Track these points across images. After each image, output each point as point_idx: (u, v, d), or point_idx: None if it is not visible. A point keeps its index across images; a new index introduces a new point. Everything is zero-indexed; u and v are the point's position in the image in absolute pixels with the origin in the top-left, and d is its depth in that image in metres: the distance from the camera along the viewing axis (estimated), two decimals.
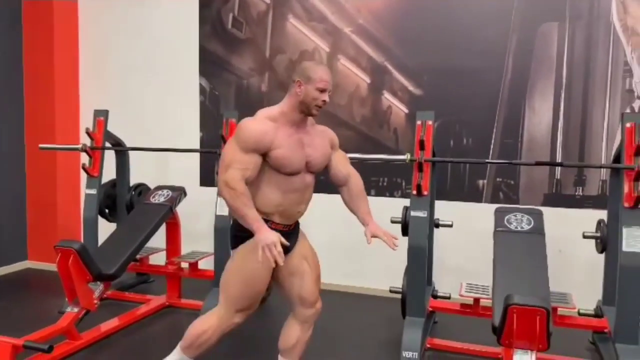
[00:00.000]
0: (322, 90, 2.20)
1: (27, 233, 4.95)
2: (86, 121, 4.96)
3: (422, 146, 3.07)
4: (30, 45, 4.79)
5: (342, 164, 2.46)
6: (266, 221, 2.18)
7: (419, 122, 3.13)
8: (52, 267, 4.83)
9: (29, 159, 4.89)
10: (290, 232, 2.32)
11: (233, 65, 4.60)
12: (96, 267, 3.06)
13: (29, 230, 4.95)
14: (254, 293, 2.29)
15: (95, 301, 3.13)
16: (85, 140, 4.74)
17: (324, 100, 2.22)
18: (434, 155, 3.15)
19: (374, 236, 2.36)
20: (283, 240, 2.08)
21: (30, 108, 4.84)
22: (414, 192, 3.10)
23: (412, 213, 3.08)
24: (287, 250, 2.24)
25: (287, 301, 2.44)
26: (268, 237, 2.05)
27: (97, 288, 3.17)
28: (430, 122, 3.11)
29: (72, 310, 3.05)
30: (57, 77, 4.79)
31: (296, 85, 2.21)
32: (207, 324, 2.33)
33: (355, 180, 2.48)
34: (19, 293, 4.29)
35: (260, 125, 2.18)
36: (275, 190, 2.21)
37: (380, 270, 4.22)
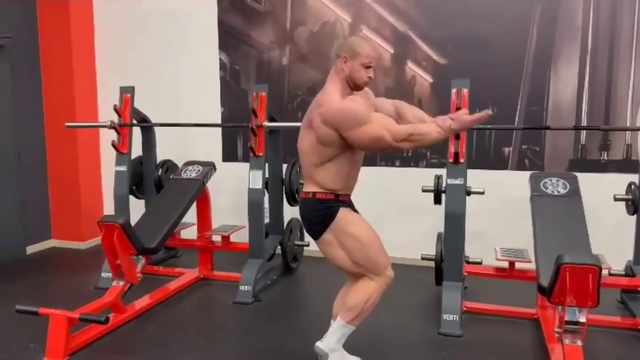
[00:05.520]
0: (368, 67, 2.24)
1: (51, 212, 4.96)
2: (104, 99, 4.94)
3: None
4: (46, 24, 4.71)
5: (386, 104, 2.51)
6: (337, 196, 2.27)
7: (454, 90, 3.17)
8: (77, 245, 4.90)
9: (48, 139, 4.86)
10: (351, 202, 2.41)
11: (253, 39, 4.57)
12: (139, 242, 3.10)
13: (52, 209, 4.96)
14: (380, 241, 2.38)
15: (138, 275, 3.17)
16: (103, 117, 4.76)
17: (369, 77, 2.26)
18: None
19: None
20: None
21: (48, 87, 4.79)
22: (451, 160, 3.15)
23: (449, 181, 3.13)
24: None
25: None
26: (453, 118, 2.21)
27: (139, 262, 3.21)
28: (465, 90, 3.15)
29: (117, 284, 3.11)
30: (75, 54, 4.73)
31: (342, 61, 2.24)
32: (369, 290, 2.34)
33: (403, 105, 2.51)
34: (47, 271, 4.31)
35: (353, 98, 2.23)
36: (347, 166, 2.27)
37: (402, 240, 4.29)
